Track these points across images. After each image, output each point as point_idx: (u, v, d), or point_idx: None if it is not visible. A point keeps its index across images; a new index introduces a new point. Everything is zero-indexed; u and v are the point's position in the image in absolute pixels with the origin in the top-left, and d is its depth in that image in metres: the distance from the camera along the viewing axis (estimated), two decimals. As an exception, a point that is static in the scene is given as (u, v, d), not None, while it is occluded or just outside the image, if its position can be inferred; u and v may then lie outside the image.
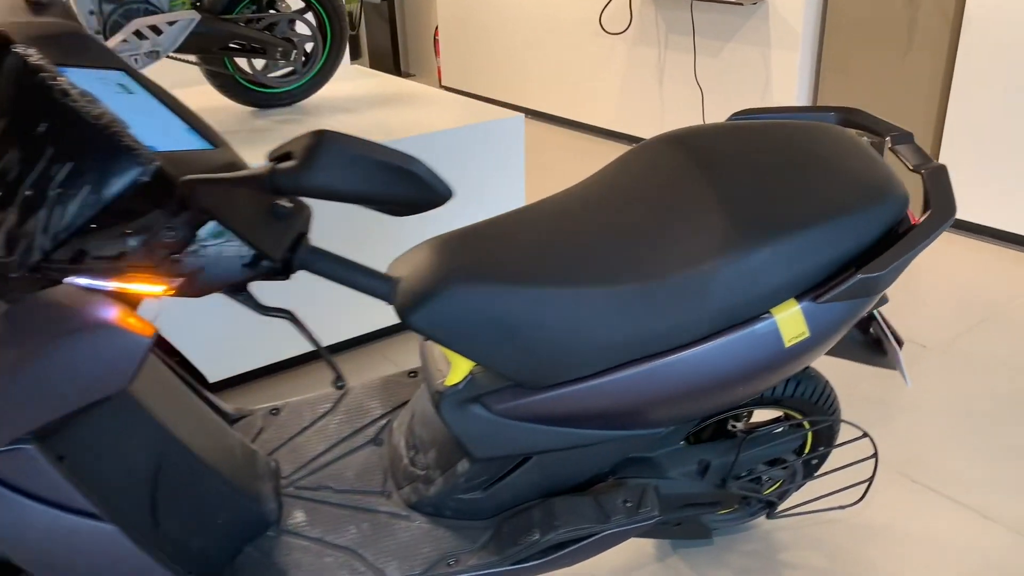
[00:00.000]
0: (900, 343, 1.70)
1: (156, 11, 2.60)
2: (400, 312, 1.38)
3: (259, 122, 2.90)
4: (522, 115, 2.96)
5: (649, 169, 1.54)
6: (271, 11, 2.84)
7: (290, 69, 2.98)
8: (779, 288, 1.37)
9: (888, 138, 1.56)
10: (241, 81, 2.95)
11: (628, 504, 1.57)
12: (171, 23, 2.54)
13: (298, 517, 1.61)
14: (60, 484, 1.21)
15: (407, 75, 7.05)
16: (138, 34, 2.52)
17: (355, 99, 3.21)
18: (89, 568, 1.28)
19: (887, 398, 2.57)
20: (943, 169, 1.46)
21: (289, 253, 1.19)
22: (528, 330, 1.36)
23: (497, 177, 2.98)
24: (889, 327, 1.70)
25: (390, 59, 6.98)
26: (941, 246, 3.64)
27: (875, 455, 1.79)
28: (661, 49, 4.72)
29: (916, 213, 1.47)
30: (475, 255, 1.41)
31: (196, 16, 2.56)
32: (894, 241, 1.39)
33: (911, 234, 1.37)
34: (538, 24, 5.40)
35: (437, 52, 6.37)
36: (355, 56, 7.41)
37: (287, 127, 2.83)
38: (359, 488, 1.66)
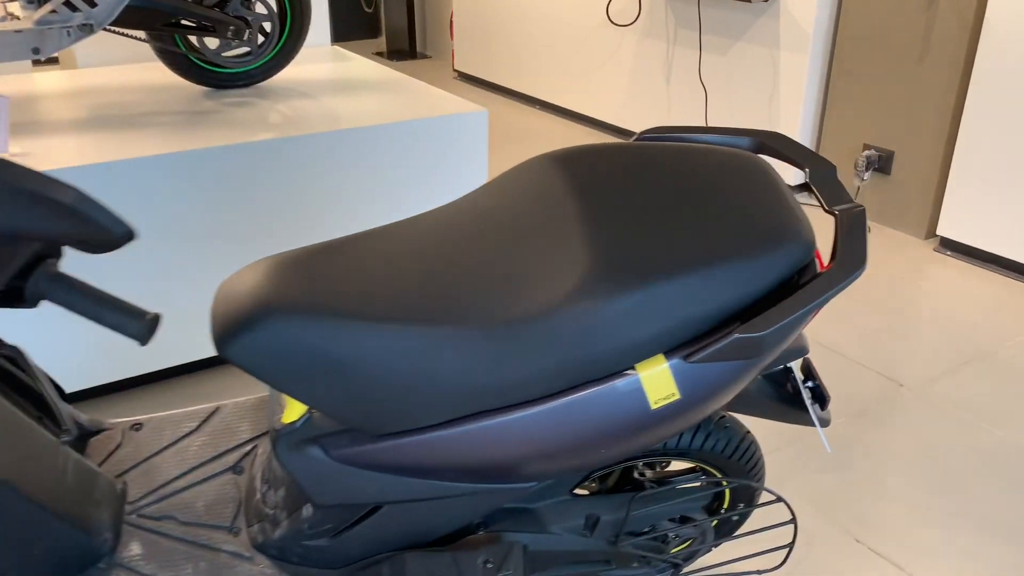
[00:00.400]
0: (824, 401, 1.50)
1: (92, -18, 2.46)
2: (215, 342, 1.21)
3: (207, 103, 2.75)
4: (486, 111, 2.78)
5: (525, 192, 1.36)
6: (225, -13, 2.69)
7: (245, 49, 2.82)
8: (645, 341, 1.18)
9: (807, 170, 1.35)
10: (194, 60, 2.80)
11: (489, 565, 1.40)
12: (105, -5, 2.40)
13: (134, 549, 1.46)
14: None
15: (422, 56, 6.87)
16: (69, 5, 2.39)
17: (319, 83, 3.05)
18: None
19: (851, 440, 2.35)
20: (861, 213, 1.25)
21: (19, 280, 1.03)
22: (357, 372, 1.19)
23: (457, 174, 2.81)
24: (814, 381, 1.50)
25: (406, 39, 6.81)
26: (939, 271, 3.36)
27: (793, 520, 1.59)
28: (670, 44, 4.48)
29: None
30: (304, 281, 1.23)
31: (132, -11, 2.41)
32: (790, 293, 1.19)
33: (804, 289, 1.17)
34: (548, 14, 5.19)
35: (452, 35, 6.19)
36: (373, 35, 7.27)
37: (235, 110, 2.68)
38: (206, 522, 1.51)
